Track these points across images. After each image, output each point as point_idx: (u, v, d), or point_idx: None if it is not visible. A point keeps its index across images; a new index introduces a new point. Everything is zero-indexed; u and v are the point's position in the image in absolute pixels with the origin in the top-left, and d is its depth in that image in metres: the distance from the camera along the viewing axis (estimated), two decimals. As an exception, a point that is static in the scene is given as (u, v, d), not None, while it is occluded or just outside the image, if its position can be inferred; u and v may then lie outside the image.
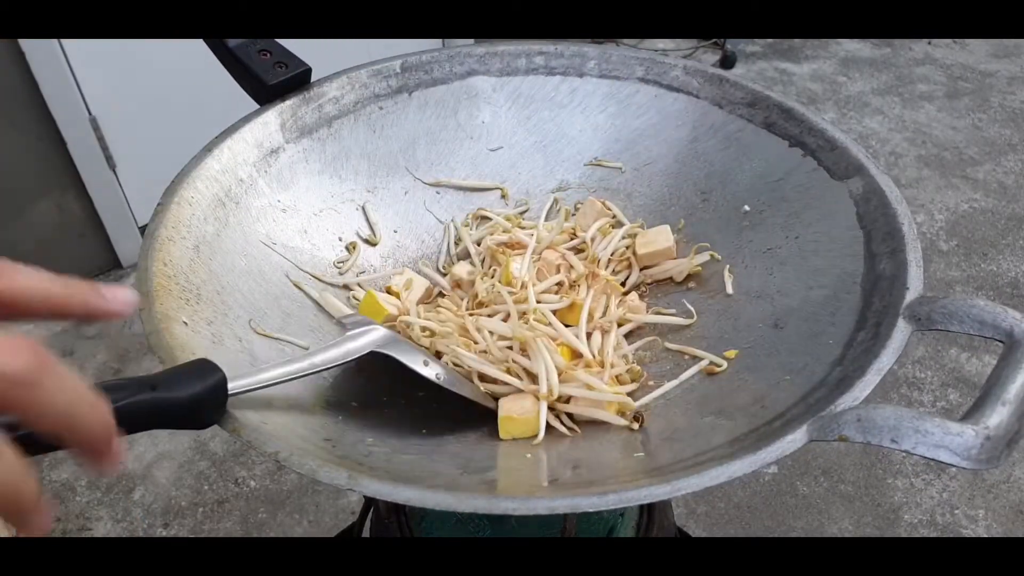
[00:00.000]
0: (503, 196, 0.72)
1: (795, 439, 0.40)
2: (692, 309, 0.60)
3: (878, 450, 1.39)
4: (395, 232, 0.70)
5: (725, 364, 0.55)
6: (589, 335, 0.58)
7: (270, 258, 0.61)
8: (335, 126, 0.68)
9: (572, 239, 0.67)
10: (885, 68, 2.58)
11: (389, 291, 0.64)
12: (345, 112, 0.69)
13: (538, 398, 0.52)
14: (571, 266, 0.63)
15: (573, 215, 0.70)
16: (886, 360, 0.43)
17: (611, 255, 0.65)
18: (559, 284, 0.62)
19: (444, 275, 0.67)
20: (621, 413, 0.53)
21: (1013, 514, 1.33)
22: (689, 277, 0.64)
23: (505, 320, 0.58)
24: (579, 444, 0.51)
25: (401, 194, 0.71)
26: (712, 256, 0.64)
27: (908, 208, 0.53)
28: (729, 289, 0.61)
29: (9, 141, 1.50)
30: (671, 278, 0.64)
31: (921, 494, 1.36)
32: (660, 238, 0.64)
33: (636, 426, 0.51)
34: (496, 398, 0.54)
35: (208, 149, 0.60)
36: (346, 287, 0.64)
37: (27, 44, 1.42)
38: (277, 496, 1.36)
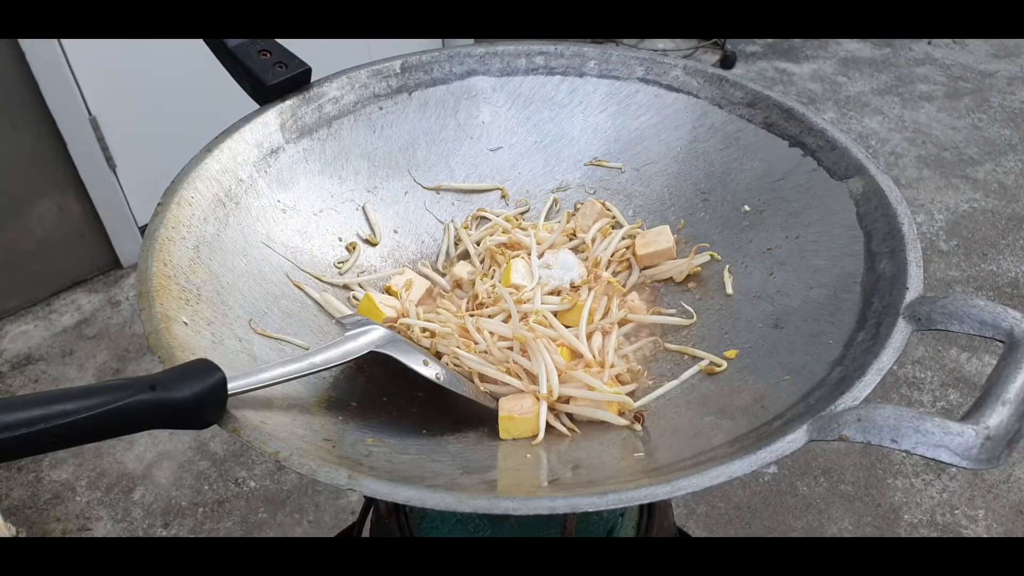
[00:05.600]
0: (503, 196, 0.72)
1: (795, 439, 0.40)
2: (691, 310, 0.60)
3: (878, 450, 1.39)
4: (395, 232, 0.70)
5: (725, 364, 0.55)
6: (590, 336, 0.58)
7: (270, 258, 0.61)
8: (335, 126, 0.68)
9: (572, 240, 0.67)
10: (885, 68, 2.58)
11: (389, 291, 0.64)
12: (345, 112, 0.69)
13: (538, 398, 0.52)
14: None
15: (573, 216, 0.70)
16: (886, 360, 0.43)
17: (611, 256, 0.65)
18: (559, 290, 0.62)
19: (443, 275, 0.67)
20: (621, 413, 0.53)
21: (1013, 514, 1.33)
22: (689, 277, 0.64)
23: (506, 321, 0.58)
24: (579, 444, 0.51)
25: (401, 194, 0.71)
26: (712, 256, 0.64)
27: (908, 208, 0.53)
28: (729, 289, 0.61)
29: (9, 141, 1.49)
30: (671, 278, 0.64)
31: (921, 494, 1.36)
32: (660, 239, 0.64)
33: (637, 426, 0.51)
34: (496, 398, 0.54)
35: (208, 149, 0.60)
36: (346, 287, 0.64)
37: (27, 44, 1.42)
38: (277, 496, 1.36)
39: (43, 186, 1.59)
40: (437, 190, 0.71)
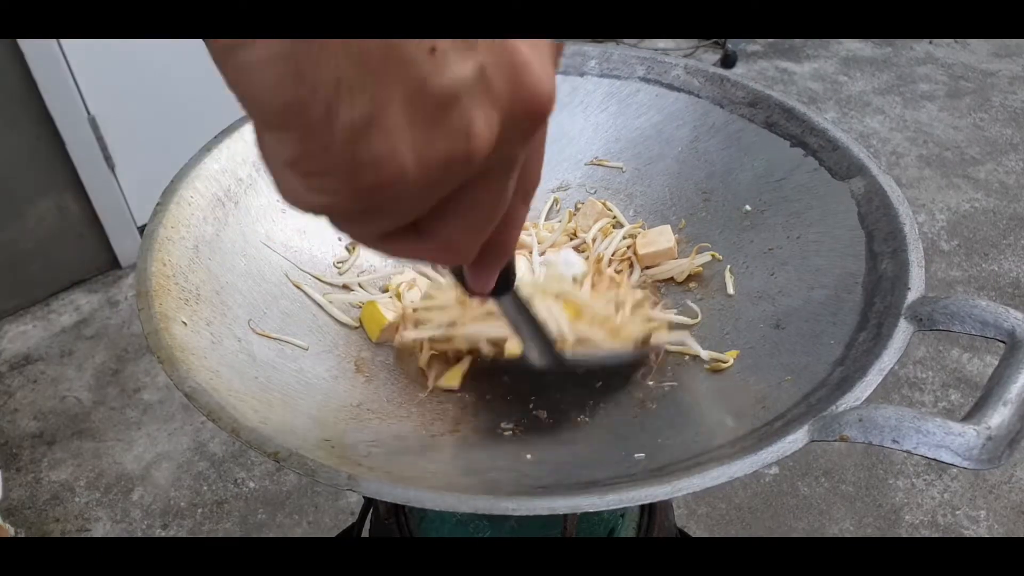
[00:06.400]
0: None
1: (796, 439, 0.40)
2: (696, 308, 0.60)
3: (879, 450, 1.39)
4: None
5: (731, 360, 0.54)
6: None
7: (269, 258, 0.61)
8: (335, 126, 0.68)
9: (573, 239, 0.67)
10: (886, 67, 2.58)
11: (387, 290, 0.64)
12: (345, 112, 0.68)
13: None
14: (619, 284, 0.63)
15: (574, 215, 0.70)
16: (888, 360, 0.43)
17: (612, 255, 0.65)
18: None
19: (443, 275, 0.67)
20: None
21: (1015, 514, 1.33)
22: (690, 277, 0.64)
23: None
24: (580, 444, 0.51)
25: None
26: (713, 256, 0.63)
27: (910, 208, 0.53)
28: (730, 289, 0.61)
29: (9, 141, 1.49)
30: (672, 278, 0.64)
31: (922, 495, 1.36)
32: (661, 238, 0.64)
33: (652, 356, 0.52)
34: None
35: (207, 149, 0.60)
36: (346, 287, 0.64)
37: (27, 44, 1.42)
38: (276, 497, 1.35)
39: (42, 186, 1.59)
40: None
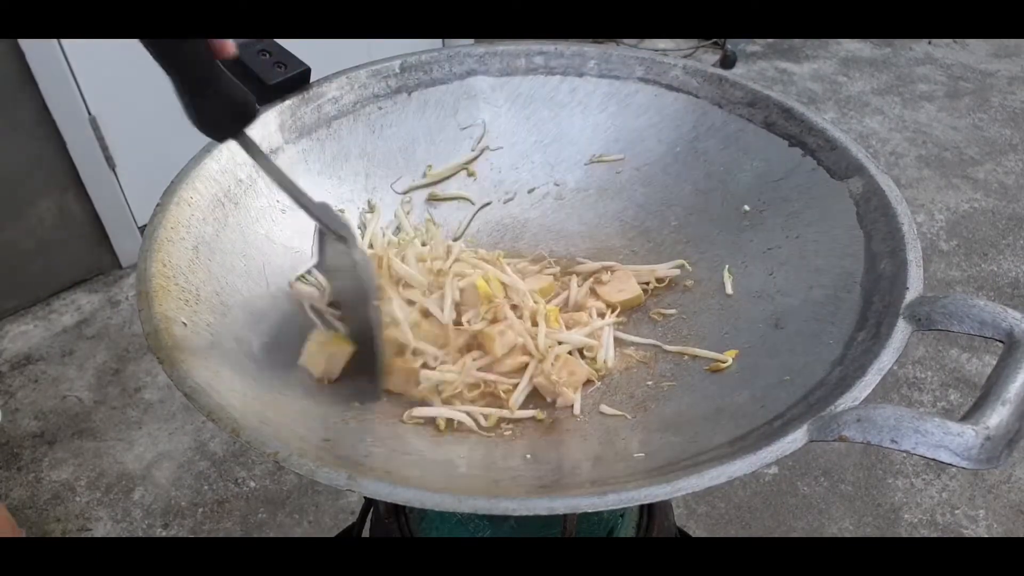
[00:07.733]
0: (470, 175, 0.72)
1: (795, 439, 0.40)
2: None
3: (878, 450, 1.39)
4: (395, 232, 0.70)
5: (730, 360, 0.55)
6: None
7: (269, 259, 0.61)
8: (334, 126, 0.68)
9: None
10: (885, 68, 2.58)
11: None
12: (344, 112, 0.69)
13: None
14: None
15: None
16: (886, 360, 0.43)
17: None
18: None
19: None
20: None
21: (1014, 514, 1.33)
22: (685, 278, 0.64)
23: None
24: (579, 444, 0.51)
25: (401, 195, 0.71)
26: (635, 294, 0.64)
27: (908, 208, 0.53)
28: (729, 289, 0.61)
29: (9, 141, 1.49)
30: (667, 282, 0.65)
31: (921, 494, 1.36)
32: (628, 286, 0.64)
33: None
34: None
35: (207, 150, 0.60)
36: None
37: (27, 44, 1.42)
38: (277, 496, 1.35)
39: (43, 186, 1.59)
40: (408, 192, 0.71)
